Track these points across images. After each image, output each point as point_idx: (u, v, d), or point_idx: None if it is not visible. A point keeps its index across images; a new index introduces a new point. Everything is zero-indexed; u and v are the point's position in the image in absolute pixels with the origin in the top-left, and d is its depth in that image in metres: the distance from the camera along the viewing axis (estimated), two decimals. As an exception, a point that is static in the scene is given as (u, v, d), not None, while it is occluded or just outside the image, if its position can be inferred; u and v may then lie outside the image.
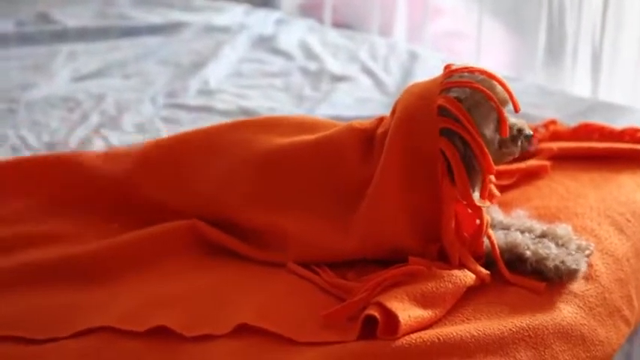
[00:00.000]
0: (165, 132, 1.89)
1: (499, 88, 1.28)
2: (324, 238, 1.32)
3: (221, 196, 1.41)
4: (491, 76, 1.28)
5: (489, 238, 1.29)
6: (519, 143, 1.30)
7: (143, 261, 1.36)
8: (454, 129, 1.26)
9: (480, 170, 1.27)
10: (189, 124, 1.91)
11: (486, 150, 1.26)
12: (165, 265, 1.36)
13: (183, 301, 1.26)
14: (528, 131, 1.30)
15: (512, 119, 1.30)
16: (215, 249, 1.39)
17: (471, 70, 1.29)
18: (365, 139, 1.35)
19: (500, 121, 1.27)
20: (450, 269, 1.25)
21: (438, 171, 1.27)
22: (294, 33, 2.48)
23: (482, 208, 1.28)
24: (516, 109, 1.29)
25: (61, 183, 1.52)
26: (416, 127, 1.27)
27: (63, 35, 2.42)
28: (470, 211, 1.28)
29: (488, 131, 1.28)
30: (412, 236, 1.28)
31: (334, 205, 1.34)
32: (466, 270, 1.25)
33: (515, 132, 1.30)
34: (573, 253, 1.30)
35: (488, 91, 1.26)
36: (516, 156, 1.33)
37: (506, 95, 1.29)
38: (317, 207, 1.35)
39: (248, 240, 1.38)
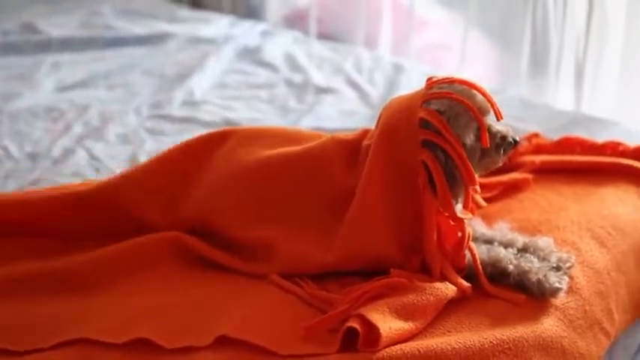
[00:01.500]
0: (149, 143, 1.89)
1: (479, 97, 1.29)
2: (308, 249, 1.33)
3: (205, 209, 1.41)
4: (472, 86, 1.29)
5: (471, 250, 1.30)
6: (502, 151, 1.30)
7: (125, 273, 1.35)
8: (435, 141, 1.26)
9: (461, 181, 1.28)
10: (174, 135, 1.92)
11: (467, 161, 1.26)
12: (147, 276, 1.35)
13: (164, 312, 1.26)
14: (512, 138, 1.30)
15: (496, 126, 1.30)
16: (198, 261, 1.38)
17: (451, 81, 1.30)
18: (349, 151, 1.35)
19: (481, 130, 1.27)
20: (431, 281, 1.25)
21: (420, 183, 1.27)
22: (279, 45, 2.48)
23: (465, 221, 1.29)
24: (498, 118, 1.29)
25: (35, 202, 1.49)
26: (398, 140, 1.28)
27: (47, 45, 2.41)
28: (452, 223, 1.29)
29: (469, 141, 1.28)
30: (394, 248, 1.28)
31: (319, 217, 1.34)
32: (447, 282, 1.26)
33: (498, 140, 1.30)
34: (555, 265, 1.31)
35: (467, 101, 1.27)
36: (500, 164, 1.33)
37: (488, 104, 1.29)
38: (301, 219, 1.35)
39: (232, 252, 1.38)
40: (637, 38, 2.22)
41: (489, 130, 1.29)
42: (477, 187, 1.36)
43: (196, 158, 1.45)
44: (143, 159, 1.78)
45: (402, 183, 1.28)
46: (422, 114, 1.27)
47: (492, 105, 1.29)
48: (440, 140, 1.26)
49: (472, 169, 1.27)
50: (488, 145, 1.27)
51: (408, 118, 1.28)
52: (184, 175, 1.44)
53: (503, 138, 1.29)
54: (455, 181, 1.28)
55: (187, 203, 1.42)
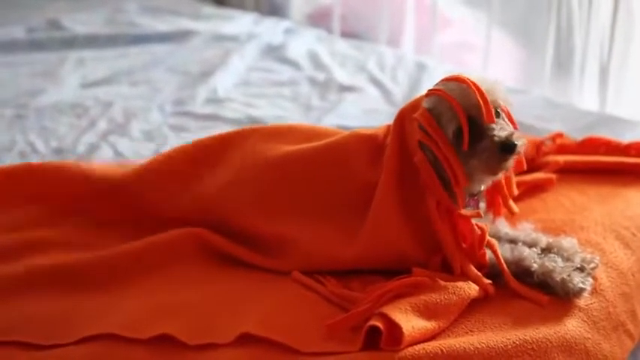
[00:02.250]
0: (172, 139, 1.90)
1: (473, 96, 1.25)
2: (330, 246, 1.32)
3: (228, 204, 1.41)
4: (467, 84, 1.25)
5: (492, 248, 1.29)
6: (501, 154, 1.24)
7: (148, 269, 1.36)
8: (423, 140, 1.26)
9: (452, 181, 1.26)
10: (197, 132, 1.93)
11: (453, 160, 1.24)
12: (169, 273, 1.36)
13: (186, 309, 1.26)
14: (511, 141, 1.24)
15: (497, 128, 1.25)
16: (220, 257, 1.39)
17: (448, 79, 1.28)
18: (373, 147, 1.35)
19: (463, 130, 1.24)
20: (454, 281, 1.25)
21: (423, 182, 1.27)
22: (303, 43, 2.49)
23: (476, 219, 1.27)
24: (487, 119, 1.24)
25: (62, 191, 1.52)
26: (405, 140, 1.29)
27: (72, 42, 2.44)
28: (472, 223, 1.28)
29: (450, 139, 1.25)
30: (415, 247, 1.28)
31: (342, 213, 1.34)
32: (470, 282, 1.25)
33: (495, 141, 1.24)
34: (579, 265, 1.30)
35: (451, 99, 1.24)
36: (504, 167, 1.27)
37: (479, 103, 1.24)
38: (324, 214, 1.35)
39: (254, 248, 1.38)
40: None
41: (487, 131, 1.25)
42: (514, 191, 1.38)
43: (219, 153, 1.46)
44: None
45: (412, 182, 1.28)
46: (416, 114, 1.27)
47: (484, 104, 1.24)
48: (427, 140, 1.25)
49: (458, 169, 1.24)
50: (466, 146, 1.23)
51: (409, 118, 1.29)
52: (206, 167, 1.44)
53: (503, 140, 1.24)
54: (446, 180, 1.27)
55: (207, 194, 1.42)
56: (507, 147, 1.24)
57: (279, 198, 1.39)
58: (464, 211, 1.27)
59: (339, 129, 1.60)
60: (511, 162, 1.27)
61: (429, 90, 1.29)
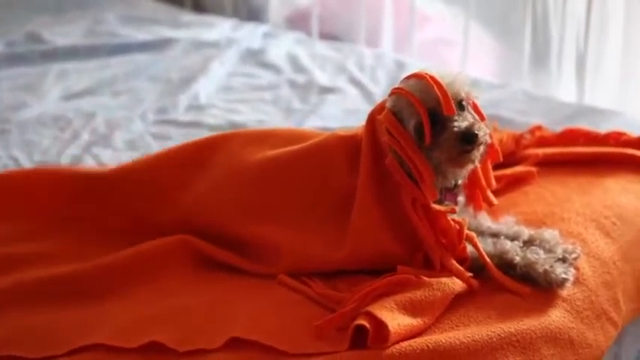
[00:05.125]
0: (155, 148, 1.90)
1: (431, 89, 1.25)
2: (314, 249, 1.33)
3: (211, 210, 1.42)
4: (426, 79, 1.26)
5: (472, 241, 1.29)
6: (464, 145, 1.25)
7: (136, 277, 1.37)
8: (388, 142, 1.27)
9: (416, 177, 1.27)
10: (180, 139, 1.89)
11: (415, 156, 1.25)
12: (157, 281, 1.36)
13: (175, 316, 1.27)
14: (472, 131, 1.25)
15: (459, 120, 1.25)
16: (207, 263, 1.40)
17: (408, 76, 1.30)
18: (352, 148, 1.35)
19: (423, 123, 1.25)
20: (438, 277, 1.26)
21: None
22: (282, 46, 2.49)
23: (446, 213, 1.28)
24: (446, 111, 1.24)
25: (44, 202, 1.53)
26: (377, 141, 1.30)
27: (53, 54, 2.43)
28: (449, 219, 1.29)
29: (413, 134, 1.26)
30: (397, 245, 1.29)
31: (324, 216, 1.34)
32: (454, 277, 1.26)
33: (456, 133, 1.24)
34: (561, 256, 1.31)
35: (411, 95, 1.25)
36: (472, 159, 1.28)
37: (438, 96, 1.24)
38: (307, 218, 1.35)
39: (240, 252, 1.39)
40: (638, 28, 2.21)
41: (448, 122, 1.26)
42: (493, 183, 1.38)
43: (201, 156, 1.46)
44: None
45: (389, 182, 1.29)
46: (379, 115, 1.29)
47: (444, 98, 1.24)
48: (391, 140, 1.27)
49: (421, 165, 1.25)
50: (428, 140, 1.25)
51: (377, 120, 1.30)
52: (189, 172, 1.45)
53: (463, 131, 1.24)
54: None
55: (191, 200, 1.43)
56: (467, 137, 1.25)
57: (261, 202, 1.39)
58: (437, 207, 1.27)
59: (320, 131, 1.60)
60: (476, 153, 1.27)
61: (392, 89, 1.31)
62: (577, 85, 2.29)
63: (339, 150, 1.36)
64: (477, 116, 1.31)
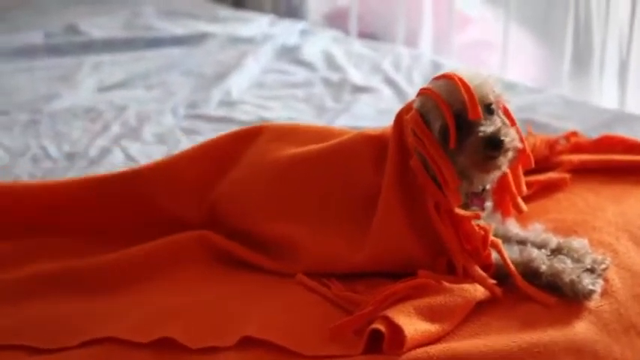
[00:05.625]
0: (184, 142, 1.90)
1: (459, 91, 1.23)
2: (335, 250, 1.31)
3: (232, 204, 1.42)
4: (455, 80, 1.24)
5: (496, 247, 1.26)
6: (489, 151, 1.22)
7: (151, 272, 1.36)
8: (413, 143, 1.25)
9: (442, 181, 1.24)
10: (209, 134, 1.89)
11: (441, 160, 1.23)
12: (172, 276, 1.36)
13: (189, 313, 1.26)
14: (500, 137, 1.22)
15: (486, 124, 1.23)
16: (224, 259, 1.39)
17: (437, 77, 1.28)
18: (379, 148, 1.33)
19: (449, 126, 1.22)
20: (459, 282, 1.23)
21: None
22: (319, 44, 2.47)
23: (470, 218, 1.25)
24: (470, 115, 1.22)
25: (67, 196, 1.51)
26: (404, 141, 1.28)
27: (89, 46, 2.45)
28: (474, 224, 1.26)
29: (438, 137, 1.25)
30: (420, 249, 1.27)
31: (347, 216, 1.33)
32: (477, 284, 1.24)
33: (481, 137, 1.22)
34: (589, 266, 1.27)
35: (438, 96, 1.23)
36: (495, 164, 1.25)
37: (465, 98, 1.22)
38: (329, 217, 1.34)
39: (258, 249, 1.38)
40: None
41: (474, 127, 1.23)
42: (524, 189, 1.35)
43: (228, 152, 1.46)
44: None
45: (414, 184, 1.27)
46: (406, 115, 1.27)
47: (470, 100, 1.22)
48: (416, 141, 1.25)
49: (446, 168, 1.23)
50: (452, 143, 1.22)
51: (405, 120, 1.28)
52: (215, 167, 1.44)
53: (488, 136, 1.22)
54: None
55: (215, 196, 1.42)
56: (493, 142, 1.22)
57: (284, 200, 1.38)
58: (461, 212, 1.25)
59: (348, 129, 1.56)
60: (502, 159, 1.25)
61: (420, 89, 1.29)
62: (618, 92, 2.25)
63: (366, 149, 1.34)
64: (507, 121, 1.29)
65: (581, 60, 2.32)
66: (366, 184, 1.32)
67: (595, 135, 1.69)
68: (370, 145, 1.34)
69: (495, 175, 1.29)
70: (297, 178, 1.37)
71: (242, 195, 1.41)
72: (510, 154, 1.26)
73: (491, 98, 1.27)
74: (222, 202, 1.43)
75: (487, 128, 1.23)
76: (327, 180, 1.35)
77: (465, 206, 1.28)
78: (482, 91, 1.25)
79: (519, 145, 1.28)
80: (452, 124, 1.22)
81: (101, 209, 1.48)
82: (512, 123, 1.29)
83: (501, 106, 1.29)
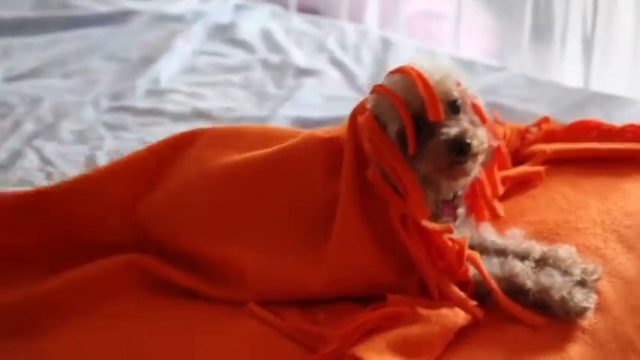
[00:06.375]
0: (108, 140, 1.76)
1: (417, 90, 1.14)
2: (289, 273, 1.21)
3: (168, 223, 1.30)
4: (410, 75, 1.15)
5: (474, 262, 1.18)
6: (454, 155, 1.13)
7: (72, 310, 1.23)
8: (368, 149, 1.17)
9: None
10: (136, 130, 1.79)
11: (399, 168, 1.14)
12: (98, 312, 1.22)
13: (123, 352, 1.16)
14: (465, 140, 1.12)
15: (456, 126, 1.13)
16: (160, 287, 1.26)
17: (393, 71, 1.19)
18: (332, 153, 1.23)
19: (406, 129, 1.13)
20: (437, 307, 1.14)
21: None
22: (256, 20, 2.34)
23: (442, 233, 1.16)
24: (430, 117, 1.13)
25: None
26: (361, 145, 1.19)
27: (-3, 28, 2.26)
28: (447, 237, 1.17)
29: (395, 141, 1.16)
30: (387, 269, 1.18)
31: (300, 233, 1.23)
32: (456, 307, 1.14)
33: (444, 140, 1.12)
34: (579, 278, 1.19)
35: (394, 95, 1.15)
36: (463, 170, 1.15)
37: (423, 97, 1.13)
38: (280, 235, 1.24)
39: (202, 274, 1.26)
40: None
41: (436, 129, 1.14)
42: (500, 192, 1.30)
43: (162, 161, 1.35)
44: (101, 159, 1.67)
45: (373, 193, 1.18)
46: (359, 118, 1.19)
47: (428, 99, 1.13)
48: (372, 148, 1.16)
49: (406, 177, 1.14)
50: (412, 149, 1.14)
51: (355, 121, 1.20)
52: (144, 180, 1.34)
53: (452, 139, 1.12)
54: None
55: (145, 212, 1.32)
56: (457, 146, 1.13)
57: (226, 215, 1.27)
58: (430, 225, 1.16)
59: (297, 121, 1.59)
60: (471, 164, 1.16)
61: (374, 86, 1.20)
62: (583, 67, 2.18)
63: (318, 155, 1.24)
64: (476, 119, 1.20)
65: (541, 32, 2.24)
66: (321, 196, 1.23)
67: (566, 119, 1.61)
68: (323, 149, 1.24)
69: (466, 181, 1.21)
70: (239, 191, 1.27)
71: (176, 211, 1.30)
72: (481, 158, 1.17)
73: (456, 94, 1.17)
74: (153, 219, 1.31)
75: (451, 130, 1.13)
76: (275, 191, 1.25)
77: (435, 216, 1.20)
78: (444, 87, 1.16)
79: (492, 144, 1.22)
80: (410, 127, 1.14)
81: (11, 233, 1.33)
82: (484, 120, 1.21)
83: (469, 102, 1.20)
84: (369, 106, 1.18)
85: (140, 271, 1.26)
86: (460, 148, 1.12)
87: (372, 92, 1.19)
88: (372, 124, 1.16)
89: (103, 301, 1.23)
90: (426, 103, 1.12)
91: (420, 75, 1.14)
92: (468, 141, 1.12)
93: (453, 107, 1.16)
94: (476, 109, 1.20)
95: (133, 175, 1.34)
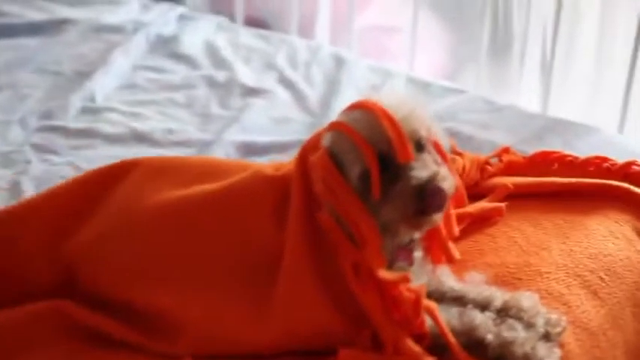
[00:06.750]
0: (36, 165, 1.66)
1: (382, 127, 1.07)
2: (232, 325, 1.14)
3: (95, 265, 1.22)
4: (374, 111, 1.07)
5: (431, 314, 1.11)
6: (422, 201, 1.05)
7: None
8: (321, 193, 1.10)
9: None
10: (68, 153, 1.71)
11: (358, 216, 1.07)
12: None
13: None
14: (437, 184, 1.06)
15: (425, 169, 1.07)
16: (89, 339, 1.18)
17: (352, 106, 1.11)
18: (280, 192, 1.17)
19: (370, 172, 1.05)
20: (393, 360, 1.11)
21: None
22: (201, 32, 2.26)
23: (396, 281, 1.09)
24: (400, 159, 1.06)
25: None
26: (311, 186, 1.13)
27: None
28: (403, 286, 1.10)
29: (355, 185, 1.09)
30: (338, 321, 1.11)
31: (244, 282, 1.16)
32: (410, 362, 1.11)
33: (414, 185, 1.05)
34: (543, 331, 1.13)
35: (355, 134, 1.07)
36: (429, 219, 1.08)
37: (391, 136, 1.06)
38: (221, 284, 1.16)
39: (136, 325, 1.18)
40: (613, 26, 2.09)
41: (402, 170, 1.07)
42: (455, 233, 1.25)
43: (92, 195, 1.28)
44: (27, 186, 1.59)
45: (324, 238, 1.12)
46: (313, 158, 1.11)
47: (396, 138, 1.06)
48: (326, 190, 1.09)
49: (365, 226, 1.07)
50: (376, 194, 1.06)
51: (305, 160, 1.14)
52: (73, 214, 1.27)
53: (422, 183, 1.05)
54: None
55: (71, 252, 1.24)
56: (429, 192, 1.06)
57: (162, 261, 1.19)
58: (386, 275, 1.08)
59: (244, 146, 1.53)
60: (439, 213, 1.10)
61: (331, 123, 1.13)
62: (542, 88, 2.14)
63: (265, 197, 1.18)
64: (438, 157, 1.14)
65: (499, 51, 2.23)
66: (267, 240, 1.16)
67: (527, 147, 1.61)
68: (271, 189, 1.18)
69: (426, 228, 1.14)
70: (178, 233, 1.19)
71: (106, 253, 1.22)
72: (447, 204, 1.10)
73: (423, 132, 1.11)
74: (80, 260, 1.23)
75: (420, 173, 1.06)
76: (218, 235, 1.18)
77: (390, 262, 1.13)
78: (410, 125, 1.09)
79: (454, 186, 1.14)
80: (375, 170, 1.06)
81: None
82: (445, 160, 1.15)
83: (431, 139, 1.14)
84: (325, 143, 1.10)
85: (65, 320, 1.18)
86: (433, 193, 1.04)
87: (329, 130, 1.11)
88: (327, 164, 1.09)
89: (29, 351, 1.15)
90: (394, 144, 1.05)
91: (385, 112, 1.06)
92: (440, 185, 1.05)
93: (418, 146, 1.09)
94: (436, 148, 1.14)
95: (59, 206, 1.27)
